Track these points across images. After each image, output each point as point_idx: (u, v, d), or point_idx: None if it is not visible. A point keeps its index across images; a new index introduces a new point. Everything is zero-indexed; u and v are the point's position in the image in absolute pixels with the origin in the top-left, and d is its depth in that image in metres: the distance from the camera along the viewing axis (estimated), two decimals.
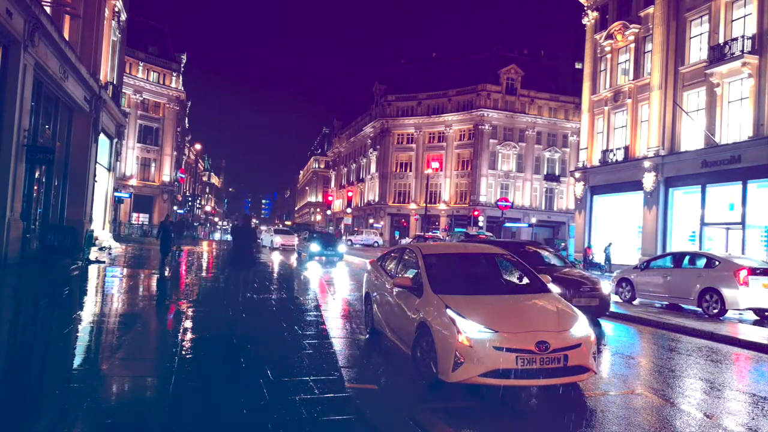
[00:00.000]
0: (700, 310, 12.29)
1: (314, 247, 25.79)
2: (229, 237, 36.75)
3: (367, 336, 7.98)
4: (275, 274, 17.76)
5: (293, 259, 25.74)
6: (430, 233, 46.66)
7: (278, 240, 34.57)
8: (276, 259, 25.36)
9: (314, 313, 9.73)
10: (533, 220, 54.56)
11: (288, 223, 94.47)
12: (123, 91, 35.34)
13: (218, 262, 22.35)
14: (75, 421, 4.25)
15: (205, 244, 41.83)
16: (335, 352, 6.73)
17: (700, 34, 24.90)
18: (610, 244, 27.94)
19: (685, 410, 5.34)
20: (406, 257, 7.38)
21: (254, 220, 37.19)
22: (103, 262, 16.91)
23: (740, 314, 12.70)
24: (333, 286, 15.31)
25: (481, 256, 7.98)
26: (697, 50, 25.04)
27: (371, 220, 65.92)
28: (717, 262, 12.49)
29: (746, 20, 22.46)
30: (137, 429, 4.20)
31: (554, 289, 9.37)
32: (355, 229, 64.09)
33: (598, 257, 28.75)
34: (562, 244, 41.60)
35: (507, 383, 5.07)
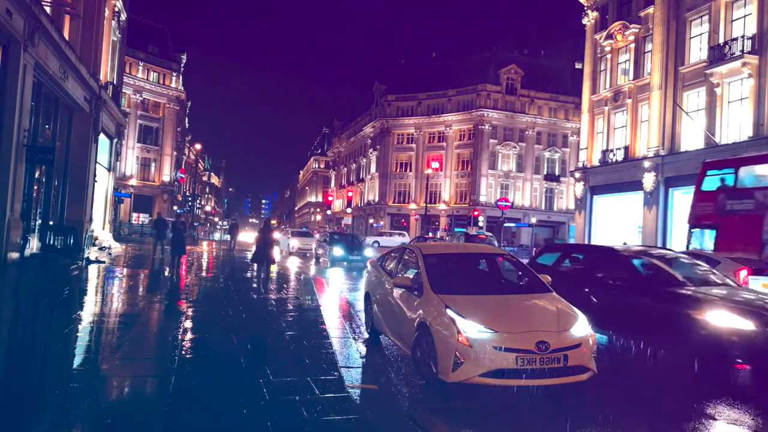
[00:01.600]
0: None
1: (337, 251, 22.32)
2: (227, 236, 35.87)
3: (367, 336, 7.98)
4: (290, 291, 13.50)
5: (311, 266, 22.53)
6: (429, 233, 46.70)
7: (295, 243, 30.05)
8: (292, 266, 21.71)
9: (314, 313, 9.73)
10: (533, 220, 54.56)
11: (273, 222, 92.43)
12: (123, 91, 35.32)
13: (217, 263, 22.33)
14: (75, 421, 4.26)
15: (204, 244, 41.82)
16: (335, 352, 6.73)
17: (700, 34, 24.90)
18: (624, 244, 28.06)
19: (685, 410, 5.34)
20: (406, 257, 7.38)
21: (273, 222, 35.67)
22: (103, 262, 16.91)
23: None
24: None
25: (481, 256, 7.98)
26: (697, 50, 25.04)
27: (371, 220, 65.93)
28: (717, 262, 12.48)
29: (746, 20, 22.47)
30: (137, 429, 4.20)
31: (740, 324, 6.26)
32: (325, 227, 65.32)
33: None
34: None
35: (507, 383, 5.07)
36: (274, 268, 16.68)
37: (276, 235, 31.14)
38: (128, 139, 49.49)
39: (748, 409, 5.44)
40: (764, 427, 5.11)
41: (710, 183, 15.50)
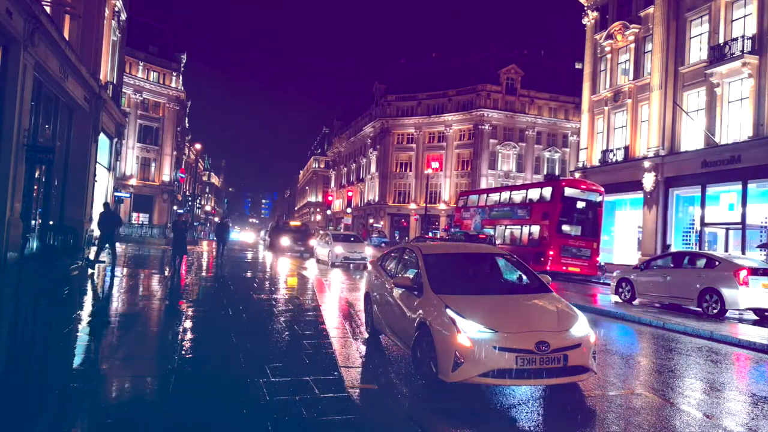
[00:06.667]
0: (700, 310, 12.29)
1: None
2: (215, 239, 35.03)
3: (367, 336, 7.98)
4: None
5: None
6: (429, 233, 46.55)
7: (340, 251, 22.43)
8: (335, 291, 13.93)
9: (314, 313, 9.72)
10: None
11: (296, 223, 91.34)
12: (123, 90, 35.32)
13: (217, 262, 22.31)
14: (75, 421, 4.25)
15: (204, 244, 41.85)
16: (335, 352, 6.73)
17: (700, 34, 24.90)
18: None
19: (685, 410, 5.33)
20: (406, 257, 7.37)
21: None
22: (103, 262, 16.89)
23: (740, 314, 12.70)
24: None
25: (481, 256, 7.97)
26: (697, 50, 25.05)
27: (371, 220, 65.90)
28: (717, 262, 12.49)
29: (746, 20, 22.47)
30: (137, 429, 4.19)
31: None
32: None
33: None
34: None
35: (507, 383, 5.07)
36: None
37: (312, 242, 28.82)
38: (128, 139, 49.50)
39: None
40: None
41: (461, 203, 32.17)
